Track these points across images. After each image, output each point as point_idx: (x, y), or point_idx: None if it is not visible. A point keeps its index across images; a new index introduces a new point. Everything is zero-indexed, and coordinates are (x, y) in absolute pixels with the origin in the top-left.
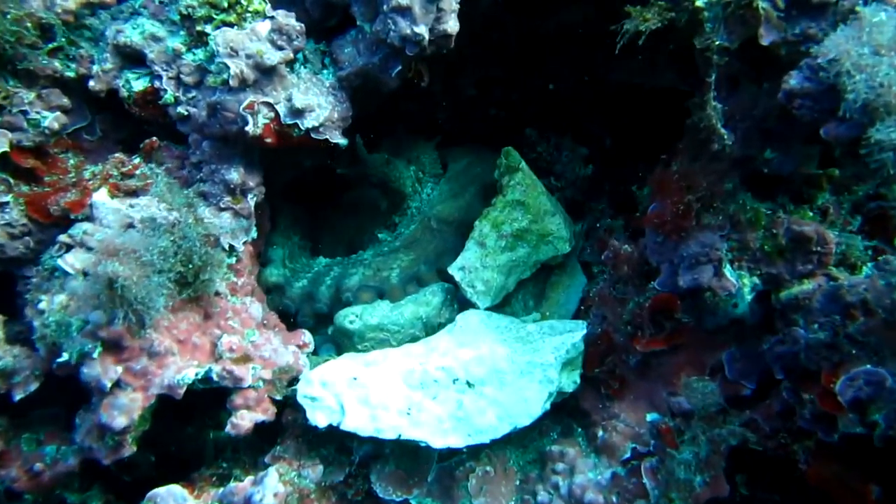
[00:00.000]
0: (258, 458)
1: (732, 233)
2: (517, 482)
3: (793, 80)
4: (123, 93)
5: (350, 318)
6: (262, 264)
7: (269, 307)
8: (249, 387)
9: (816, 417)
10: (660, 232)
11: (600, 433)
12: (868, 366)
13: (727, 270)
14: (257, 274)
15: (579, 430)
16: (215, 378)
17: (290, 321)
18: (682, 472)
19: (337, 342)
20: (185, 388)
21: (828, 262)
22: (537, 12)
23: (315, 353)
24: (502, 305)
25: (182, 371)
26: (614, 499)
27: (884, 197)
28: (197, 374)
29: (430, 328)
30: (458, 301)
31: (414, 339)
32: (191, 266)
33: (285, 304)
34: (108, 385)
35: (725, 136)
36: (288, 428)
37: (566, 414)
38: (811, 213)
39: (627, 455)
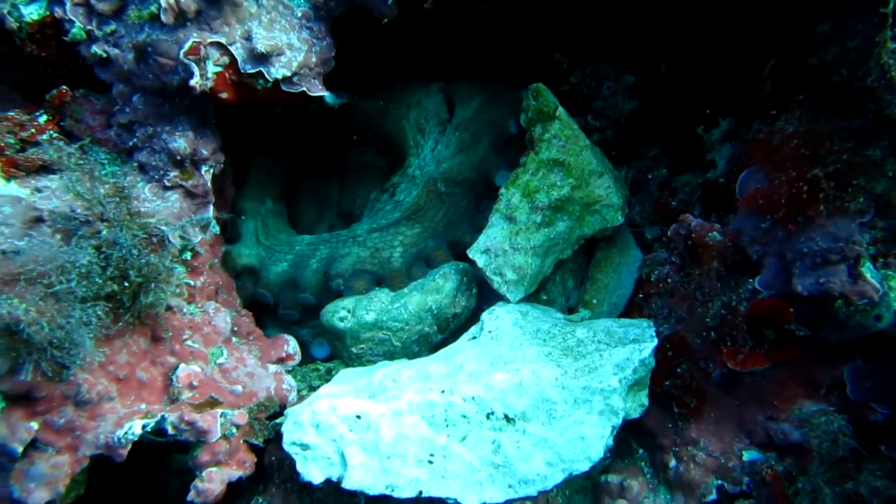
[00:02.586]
0: None
1: (878, 220)
2: None
3: None
4: (11, 23)
5: (340, 314)
6: (228, 240)
7: (239, 296)
8: (218, 438)
9: None
10: (764, 215)
11: (673, 462)
12: None
13: (867, 270)
14: (222, 256)
15: (641, 451)
16: (170, 431)
17: (266, 312)
18: None
19: (328, 337)
20: (129, 447)
21: None
22: None
23: (303, 359)
24: (537, 291)
25: (124, 422)
26: None
27: None
28: (145, 427)
29: (443, 320)
30: (478, 283)
31: (423, 337)
32: (126, 284)
33: (260, 293)
34: (20, 448)
35: None
36: (272, 472)
37: (623, 428)
38: None
39: (713, 497)
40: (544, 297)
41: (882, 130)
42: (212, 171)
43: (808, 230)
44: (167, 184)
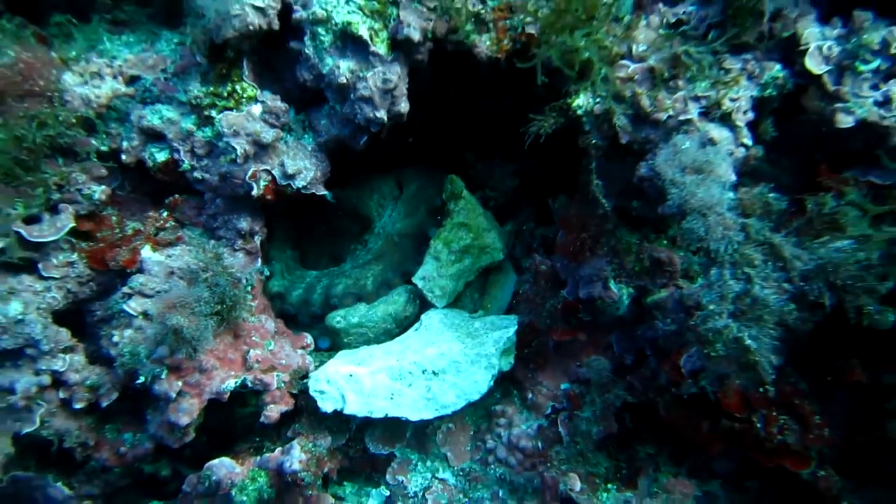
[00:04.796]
0: (282, 430)
1: (614, 259)
2: (471, 433)
3: (642, 170)
4: (149, 163)
5: (337, 319)
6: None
7: (273, 311)
8: (275, 388)
9: (669, 382)
10: (565, 257)
11: (529, 395)
12: (696, 348)
13: (612, 285)
14: (262, 287)
15: (515, 392)
16: (250, 385)
17: (290, 319)
18: (584, 425)
19: (329, 334)
20: (228, 394)
21: (676, 278)
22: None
23: (315, 345)
24: (455, 302)
25: (225, 381)
26: (539, 444)
27: None
28: (236, 383)
29: (398, 321)
30: (420, 298)
31: (387, 331)
32: (224, 305)
33: (286, 308)
34: (174, 395)
35: (606, 205)
36: (303, 410)
37: (504, 379)
38: (665, 242)
39: (548, 411)
40: (459, 305)
41: (614, 214)
42: (260, 238)
43: (583, 265)
44: (236, 248)
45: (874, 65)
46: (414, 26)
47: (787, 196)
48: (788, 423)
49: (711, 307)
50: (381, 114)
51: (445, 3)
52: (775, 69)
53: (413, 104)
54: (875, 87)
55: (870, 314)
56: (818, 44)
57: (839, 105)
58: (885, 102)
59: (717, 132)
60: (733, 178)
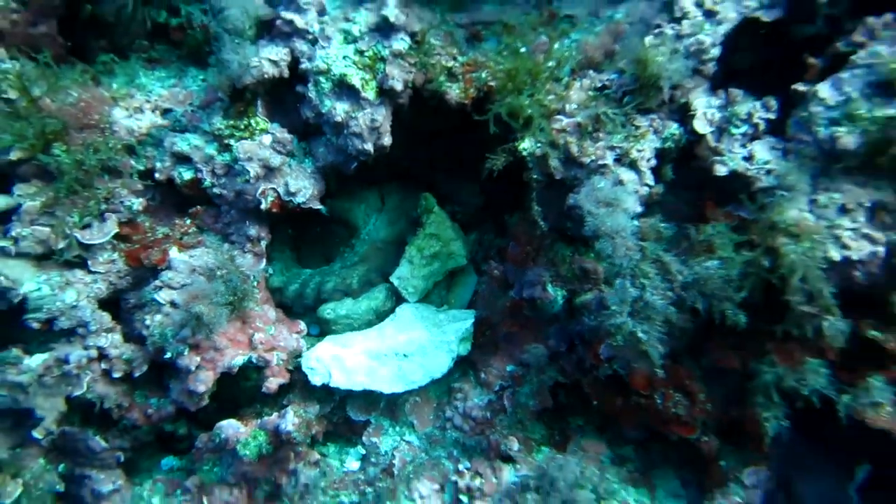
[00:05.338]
0: (279, 399)
1: (552, 267)
2: (434, 405)
3: (570, 200)
4: (177, 181)
5: (327, 311)
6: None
7: (273, 301)
8: (275, 364)
9: (592, 365)
10: (514, 264)
11: (483, 375)
12: (608, 340)
13: (549, 288)
14: (265, 282)
15: (471, 373)
16: (254, 361)
17: (287, 310)
18: (523, 399)
19: (319, 323)
20: (237, 368)
21: (599, 283)
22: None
23: (308, 332)
24: (425, 298)
25: (234, 358)
26: (488, 414)
27: None
28: (244, 360)
29: (379, 313)
30: (396, 294)
31: (369, 322)
32: (236, 297)
33: (284, 300)
34: (193, 368)
35: (543, 226)
36: (296, 383)
37: (462, 362)
38: (592, 255)
39: (497, 388)
40: (428, 300)
41: (552, 233)
42: (265, 242)
43: (527, 271)
44: (245, 250)
45: (743, 129)
46: (397, 78)
47: (676, 225)
48: (681, 399)
49: (614, 308)
50: (369, 146)
51: (423, 60)
52: (673, 127)
53: (395, 136)
54: (743, 146)
55: (729, 316)
56: (704, 110)
57: (717, 158)
58: (749, 158)
59: (626, 175)
60: (638, 210)
